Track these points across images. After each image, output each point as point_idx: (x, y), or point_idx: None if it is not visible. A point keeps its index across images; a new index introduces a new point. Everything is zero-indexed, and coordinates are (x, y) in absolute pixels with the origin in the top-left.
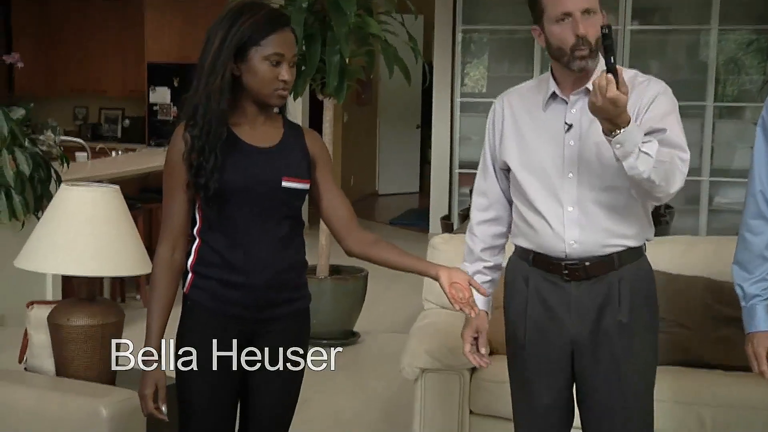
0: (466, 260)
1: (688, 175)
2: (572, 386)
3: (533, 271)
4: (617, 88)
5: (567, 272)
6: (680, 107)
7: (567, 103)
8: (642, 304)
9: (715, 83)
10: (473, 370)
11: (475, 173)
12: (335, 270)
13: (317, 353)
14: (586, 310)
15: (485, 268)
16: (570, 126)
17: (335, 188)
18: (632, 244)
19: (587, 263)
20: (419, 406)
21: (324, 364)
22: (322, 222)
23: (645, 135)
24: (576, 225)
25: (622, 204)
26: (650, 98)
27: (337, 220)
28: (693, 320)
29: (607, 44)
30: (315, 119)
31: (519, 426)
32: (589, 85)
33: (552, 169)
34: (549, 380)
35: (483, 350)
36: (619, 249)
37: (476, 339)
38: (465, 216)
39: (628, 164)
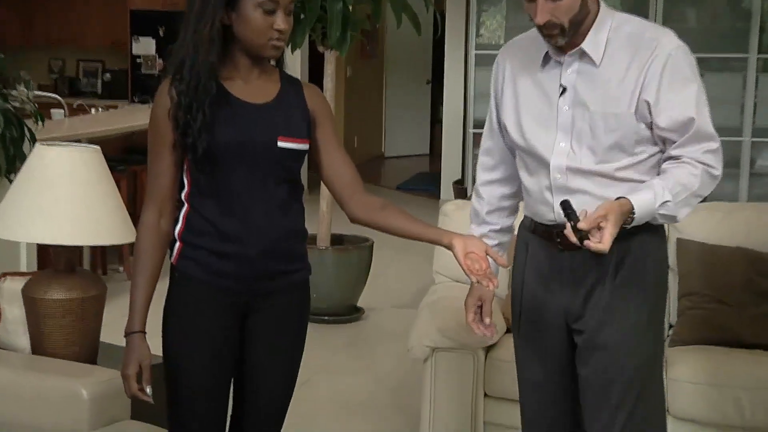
0: (473, 222)
1: (726, 136)
2: (573, 360)
3: (533, 238)
4: (583, 240)
5: (559, 241)
6: (719, 60)
7: (561, 64)
8: (643, 279)
9: (759, 32)
10: (488, 349)
11: None
12: (337, 239)
13: (318, 330)
14: (579, 283)
15: (492, 231)
16: (564, 89)
17: (338, 149)
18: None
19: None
20: (429, 388)
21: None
22: (322, 186)
23: (668, 131)
24: (564, 193)
25: (617, 175)
26: (661, 65)
27: (340, 183)
28: (731, 295)
29: (568, 213)
30: (315, 74)
31: (521, 404)
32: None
33: (543, 133)
34: (545, 354)
35: (487, 320)
36: None
37: (480, 308)
38: None
39: (657, 221)
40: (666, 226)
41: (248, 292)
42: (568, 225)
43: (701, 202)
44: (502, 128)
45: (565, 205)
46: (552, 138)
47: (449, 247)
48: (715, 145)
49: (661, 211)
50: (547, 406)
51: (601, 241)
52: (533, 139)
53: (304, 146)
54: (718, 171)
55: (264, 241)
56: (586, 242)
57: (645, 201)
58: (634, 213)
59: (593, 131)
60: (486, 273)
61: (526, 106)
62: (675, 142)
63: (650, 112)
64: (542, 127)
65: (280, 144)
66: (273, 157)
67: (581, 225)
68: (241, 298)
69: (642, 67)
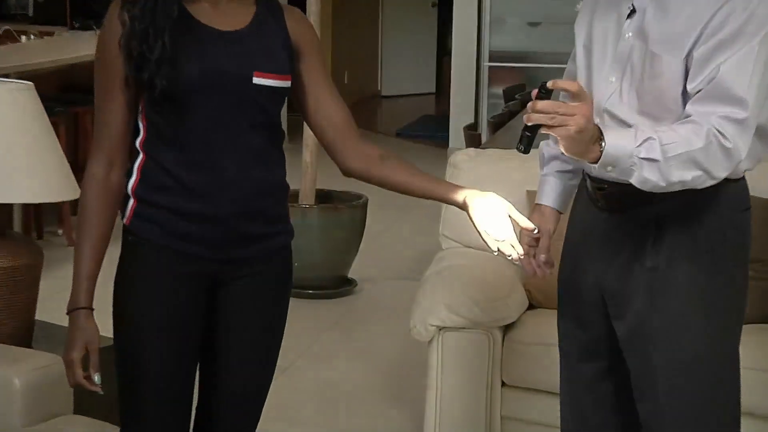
0: (549, 140)
1: None
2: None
3: (583, 191)
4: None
5: (595, 198)
6: None
7: None
8: (694, 251)
9: None
10: (507, 329)
11: (511, 67)
12: (324, 196)
13: (301, 306)
14: (614, 251)
15: (559, 172)
16: (632, 10)
17: (328, 86)
18: None
19: (609, 189)
20: (435, 376)
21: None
22: (305, 131)
23: (692, 81)
24: None
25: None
26: (726, 13)
27: (331, 128)
28: None
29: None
30: None
31: (561, 394)
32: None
33: (598, 61)
34: (580, 333)
35: (542, 256)
36: None
37: (537, 241)
38: (496, 124)
39: (637, 180)
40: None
41: (217, 259)
42: (534, 92)
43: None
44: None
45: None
46: (605, 69)
47: (463, 207)
48: (742, 114)
49: (642, 155)
50: (593, 406)
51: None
52: (590, 65)
53: (286, 83)
54: (732, 145)
55: (237, 198)
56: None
57: (621, 134)
58: (603, 140)
59: (645, 71)
60: (510, 241)
61: (598, 23)
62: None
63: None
64: (601, 53)
65: (257, 80)
66: (248, 97)
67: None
68: (209, 266)
69: (713, 9)
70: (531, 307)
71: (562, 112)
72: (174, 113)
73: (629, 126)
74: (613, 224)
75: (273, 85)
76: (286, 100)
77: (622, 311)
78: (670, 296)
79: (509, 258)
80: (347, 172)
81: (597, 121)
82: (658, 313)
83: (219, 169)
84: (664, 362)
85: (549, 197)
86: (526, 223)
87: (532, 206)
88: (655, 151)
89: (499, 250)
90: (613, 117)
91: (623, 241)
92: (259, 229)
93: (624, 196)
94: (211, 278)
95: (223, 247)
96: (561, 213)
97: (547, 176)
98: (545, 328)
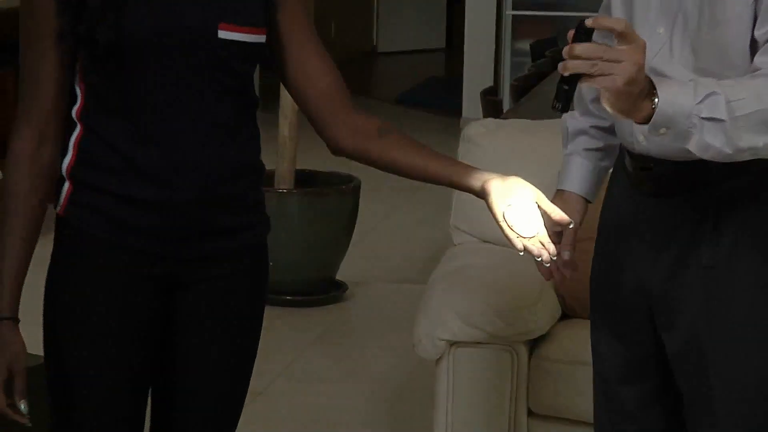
0: (574, 112)
1: None
2: (664, 355)
3: (620, 172)
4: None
5: (638, 181)
6: None
7: None
8: (766, 246)
9: None
10: (534, 344)
11: (540, 16)
12: (306, 178)
13: (279, 316)
14: (662, 244)
15: (587, 150)
16: None
17: (312, 42)
18: None
19: (659, 169)
20: (445, 401)
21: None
22: (284, 99)
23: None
24: None
25: None
26: None
27: (317, 95)
28: None
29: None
30: None
31: (595, 416)
32: None
33: (641, 9)
34: (621, 348)
35: (566, 253)
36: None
37: (558, 236)
38: (521, 89)
39: (696, 146)
40: None
41: (175, 257)
42: (571, 32)
43: None
44: None
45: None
46: (651, 18)
47: (481, 195)
48: None
49: (704, 114)
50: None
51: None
52: (622, 15)
53: (259, 38)
54: None
55: (198, 182)
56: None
57: (677, 88)
58: (655, 95)
59: (702, 19)
60: (540, 240)
61: None
62: None
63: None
64: (642, 3)
65: (223, 34)
66: (212, 55)
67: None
68: (165, 266)
69: None
70: (564, 316)
71: (606, 58)
72: (120, 75)
73: None
74: (661, 213)
75: (243, 40)
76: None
77: (672, 321)
78: (732, 301)
79: (538, 260)
80: (337, 150)
81: None
82: (716, 323)
83: (176, 144)
84: (724, 385)
85: (574, 181)
86: (560, 215)
87: (554, 193)
88: (720, 110)
89: (525, 249)
90: (662, 77)
91: (673, 233)
92: (226, 220)
93: (676, 177)
94: (168, 281)
95: (182, 243)
96: (589, 202)
97: (572, 155)
98: (582, 343)
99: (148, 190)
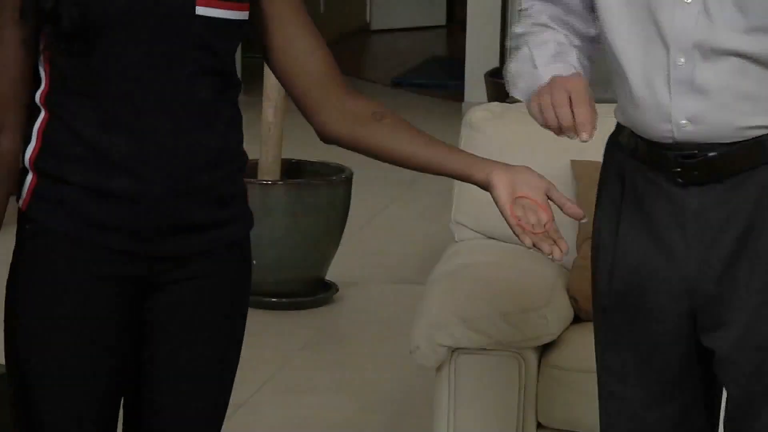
0: (535, 32)
1: None
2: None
3: (631, 165)
4: None
5: (680, 170)
6: None
7: None
8: None
9: None
10: (544, 350)
11: None
12: (293, 169)
13: (264, 319)
14: (714, 238)
15: (575, 34)
16: None
17: (301, 18)
18: None
19: (712, 154)
20: (445, 413)
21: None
22: (268, 80)
23: None
24: (692, 89)
25: None
26: None
27: (306, 76)
28: None
29: None
30: None
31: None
32: None
33: None
34: (648, 362)
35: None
36: (763, 131)
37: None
38: None
39: None
40: None
41: (147, 256)
42: None
43: None
44: None
45: None
46: None
47: (486, 186)
48: None
49: None
50: None
51: None
52: None
53: (242, 14)
54: None
55: (174, 172)
56: None
57: None
58: None
59: None
60: (549, 232)
61: None
62: None
63: None
64: None
65: (201, 10)
66: (189, 33)
67: None
68: (136, 265)
69: None
70: (577, 320)
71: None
72: (88, 56)
73: (736, 57)
74: (712, 200)
75: (223, 16)
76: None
77: (725, 319)
78: None
79: (550, 257)
80: (328, 137)
81: (682, 61)
82: None
83: (150, 131)
84: None
85: (573, 62)
86: (573, 210)
87: (541, 87)
88: None
89: (534, 245)
90: (711, 51)
91: (726, 222)
92: (205, 214)
93: (726, 159)
94: (140, 281)
95: (155, 239)
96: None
97: (559, 52)
98: None
99: (117, 182)
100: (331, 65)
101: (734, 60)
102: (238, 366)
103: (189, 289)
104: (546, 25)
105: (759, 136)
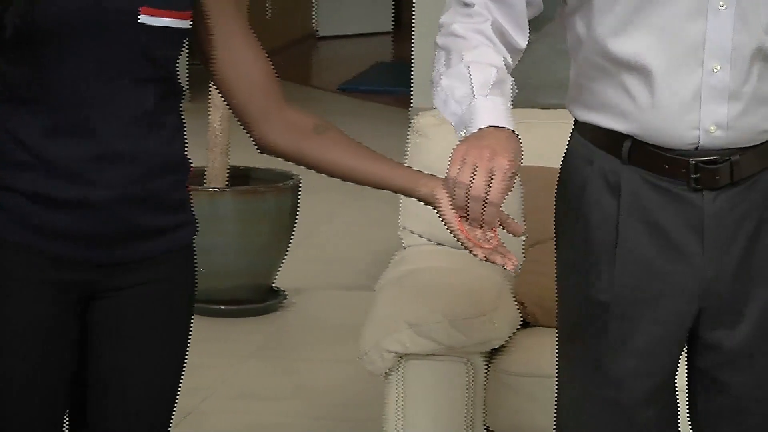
0: (468, 46)
1: None
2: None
3: (630, 171)
4: None
5: (698, 176)
6: None
7: None
8: None
9: None
10: (492, 355)
11: None
12: (240, 176)
13: (211, 327)
14: (730, 237)
15: (504, 68)
16: None
17: (241, 29)
18: None
19: (735, 158)
20: (394, 419)
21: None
22: (215, 88)
23: None
24: (724, 96)
25: None
26: None
27: (245, 87)
28: None
29: None
30: None
31: None
32: None
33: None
34: (650, 362)
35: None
36: None
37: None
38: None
39: None
40: None
41: (92, 263)
42: None
43: None
44: None
45: None
46: None
47: (429, 201)
48: None
49: None
50: None
51: None
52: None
53: (184, 23)
54: None
55: (119, 178)
56: None
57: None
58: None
59: None
60: (497, 244)
61: None
62: None
63: None
64: None
65: (144, 18)
66: (132, 41)
67: None
68: (81, 272)
69: None
70: (525, 325)
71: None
72: (31, 63)
73: (763, 61)
74: (727, 203)
75: (167, 25)
76: (185, 47)
77: (740, 316)
78: None
79: (505, 269)
80: (267, 149)
81: (718, 68)
82: None
83: (94, 137)
84: None
85: (508, 93)
86: (514, 227)
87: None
88: None
89: (487, 258)
90: (748, 56)
91: (740, 220)
92: (149, 221)
93: (748, 163)
94: (84, 288)
95: (100, 246)
96: None
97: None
98: (544, 354)
99: (62, 188)
100: (272, 77)
101: (762, 64)
102: (187, 373)
103: (132, 295)
104: (487, 38)
105: None
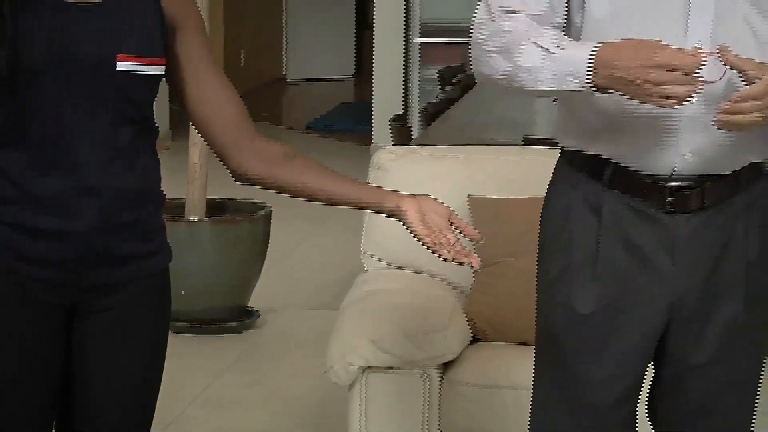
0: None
1: None
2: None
3: (610, 195)
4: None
5: (673, 199)
6: None
7: None
8: None
9: None
10: (445, 367)
11: (447, 44)
12: (217, 206)
13: (191, 344)
14: (699, 256)
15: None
16: None
17: (214, 72)
18: (758, 158)
19: (707, 185)
20: (358, 426)
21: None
22: (194, 128)
23: None
24: (700, 126)
25: None
26: None
27: (219, 123)
28: None
29: None
30: None
31: None
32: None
33: (659, 17)
34: (623, 367)
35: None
36: (747, 162)
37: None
38: (430, 115)
39: None
40: None
41: (73, 286)
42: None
43: None
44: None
45: None
46: (679, 26)
47: (395, 214)
48: None
49: None
50: None
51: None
52: (643, 30)
53: (159, 68)
54: None
55: (98, 209)
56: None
57: None
58: None
59: (754, 32)
60: (457, 247)
61: None
62: None
63: None
64: (662, 14)
65: (122, 66)
66: (110, 86)
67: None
68: (63, 295)
69: None
70: (475, 340)
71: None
72: (13, 104)
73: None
74: (698, 225)
75: (143, 71)
76: (161, 89)
77: (703, 327)
78: (766, 293)
79: (470, 266)
80: (242, 177)
81: (694, 101)
82: (760, 310)
83: (75, 172)
84: (746, 375)
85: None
86: (473, 233)
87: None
88: None
89: (454, 259)
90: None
91: (710, 240)
92: (127, 248)
93: (718, 189)
94: (66, 309)
95: (82, 271)
96: None
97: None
98: (493, 365)
99: (45, 219)
100: (243, 112)
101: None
102: (170, 385)
103: (112, 316)
104: (531, 24)
105: (740, 169)
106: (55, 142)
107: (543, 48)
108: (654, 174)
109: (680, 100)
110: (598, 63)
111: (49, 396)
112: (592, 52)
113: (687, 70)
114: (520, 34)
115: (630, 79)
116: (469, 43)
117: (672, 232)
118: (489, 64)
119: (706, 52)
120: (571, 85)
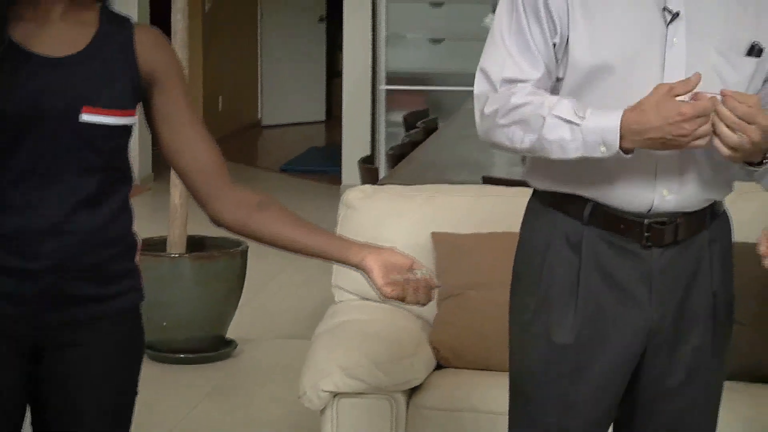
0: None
1: None
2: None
3: (589, 231)
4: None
5: (649, 234)
6: None
7: None
8: (730, 275)
9: None
10: (411, 393)
11: (412, 90)
12: (197, 243)
13: (170, 373)
14: (672, 286)
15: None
16: (675, 15)
17: (192, 124)
18: (721, 196)
19: (680, 220)
20: None
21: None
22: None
23: None
24: (676, 171)
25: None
26: None
27: (197, 171)
28: (748, 310)
29: None
30: (160, 11)
31: None
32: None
33: (645, 84)
34: (600, 392)
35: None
36: (712, 201)
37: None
38: (396, 157)
39: None
40: None
41: (37, 323)
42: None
43: None
44: (564, 54)
45: None
46: (657, 78)
47: (360, 267)
48: None
49: None
50: None
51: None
52: (630, 89)
53: (128, 120)
54: None
55: (56, 250)
56: None
57: None
58: None
59: (721, 78)
60: (424, 284)
61: (614, 31)
62: None
63: None
64: (641, 67)
65: (86, 117)
66: (75, 136)
67: None
68: (29, 333)
69: None
70: (439, 366)
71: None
72: None
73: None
74: (671, 258)
75: (109, 123)
76: (144, 133)
77: (675, 352)
78: (727, 320)
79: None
80: (219, 223)
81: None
82: (722, 335)
83: (36, 213)
84: (713, 398)
85: None
86: (431, 280)
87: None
88: None
89: (417, 302)
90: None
91: (681, 271)
92: (88, 289)
93: (689, 224)
94: (30, 348)
95: (42, 309)
96: None
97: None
98: (456, 390)
99: (7, 258)
100: (219, 162)
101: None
102: (150, 412)
103: (77, 353)
104: (539, 92)
105: (704, 207)
106: (18, 186)
107: (566, 120)
108: (633, 211)
109: (707, 135)
110: (626, 130)
111: (8, 427)
112: (618, 120)
113: (706, 114)
114: (534, 107)
115: (666, 138)
116: (476, 114)
117: (648, 264)
118: (506, 135)
119: (714, 94)
120: (602, 153)
